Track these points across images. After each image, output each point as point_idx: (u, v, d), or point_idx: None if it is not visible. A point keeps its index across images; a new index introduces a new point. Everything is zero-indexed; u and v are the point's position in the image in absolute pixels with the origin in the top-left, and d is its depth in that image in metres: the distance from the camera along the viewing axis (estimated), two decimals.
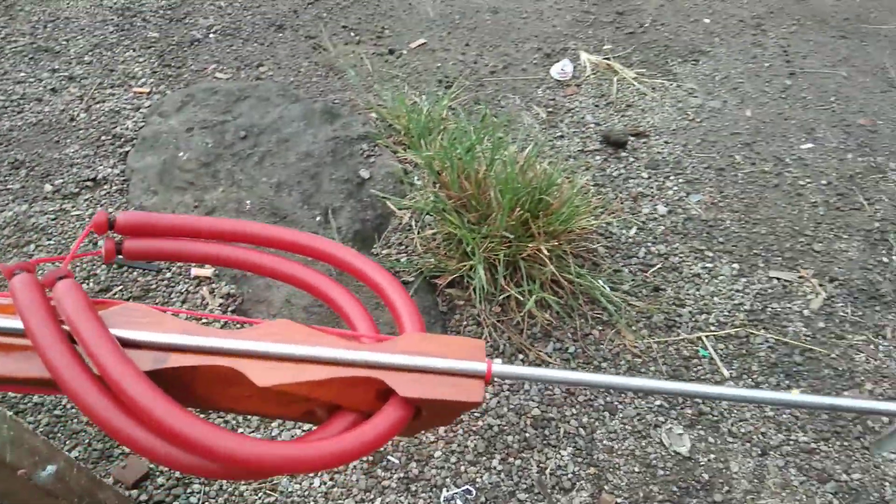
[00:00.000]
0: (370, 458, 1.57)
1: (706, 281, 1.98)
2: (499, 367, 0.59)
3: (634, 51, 2.82)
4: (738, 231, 2.13)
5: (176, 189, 1.93)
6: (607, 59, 2.76)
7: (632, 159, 2.34)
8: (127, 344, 0.60)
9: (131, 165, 2.05)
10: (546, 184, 1.84)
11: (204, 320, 1.63)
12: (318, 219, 1.83)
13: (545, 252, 1.71)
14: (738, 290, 1.96)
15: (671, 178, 2.28)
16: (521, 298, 1.76)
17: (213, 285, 1.82)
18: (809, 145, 2.44)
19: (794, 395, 0.60)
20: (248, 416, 1.59)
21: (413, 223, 1.93)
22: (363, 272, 0.73)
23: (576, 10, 3.02)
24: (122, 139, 2.18)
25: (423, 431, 0.61)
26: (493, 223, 1.75)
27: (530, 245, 1.72)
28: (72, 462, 1.06)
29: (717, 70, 2.75)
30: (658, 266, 2.00)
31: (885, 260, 2.08)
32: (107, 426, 0.56)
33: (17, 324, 0.60)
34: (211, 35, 2.66)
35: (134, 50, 2.56)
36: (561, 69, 2.68)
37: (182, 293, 1.80)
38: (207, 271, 1.86)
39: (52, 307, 0.59)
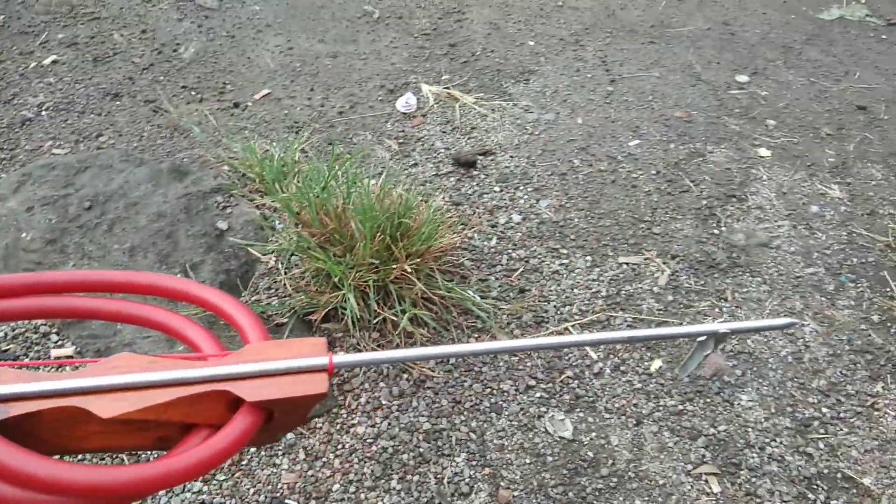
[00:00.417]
0: None
1: (564, 276, 2.12)
2: (339, 357, 0.64)
3: (470, 78, 2.99)
4: (586, 227, 2.30)
5: (22, 272, 1.83)
6: (447, 88, 2.91)
7: (483, 176, 2.47)
8: None
9: None
10: (404, 208, 1.91)
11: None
12: (178, 276, 1.80)
13: (409, 271, 1.78)
14: (593, 280, 2.11)
15: (521, 188, 2.43)
16: (396, 319, 1.82)
17: (77, 364, 1.74)
18: (637, 142, 2.69)
19: (619, 333, 0.69)
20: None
21: (280, 266, 1.94)
22: (191, 294, 0.75)
23: (411, 46, 3.17)
24: None
25: (282, 435, 0.64)
26: (358, 252, 1.80)
27: (395, 266, 1.78)
28: None
29: (546, 86, 2.97)
30: (521, 269, 2.12)
31: (716, 232, 2.32)
32: None
33: None
34: (43, 112, 2.56)
35: None
36: (405, 102, 2.79)
37: None
38: (69, 349, 1.77)
39: None
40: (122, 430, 0.63)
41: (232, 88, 2.78)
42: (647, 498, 1.59)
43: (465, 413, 1.74)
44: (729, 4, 3.69)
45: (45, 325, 1.85)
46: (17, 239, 1.91)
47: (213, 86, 2.78)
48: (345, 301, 1.79)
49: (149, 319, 0.74)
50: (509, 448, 1.68)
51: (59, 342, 1.81)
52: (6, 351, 1.79)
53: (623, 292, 2.08)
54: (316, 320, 1.85)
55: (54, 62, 2.81)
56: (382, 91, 2.87)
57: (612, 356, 1.91)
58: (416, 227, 1.90)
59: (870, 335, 1.99)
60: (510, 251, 2.19)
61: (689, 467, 1.66)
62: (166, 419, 0.62)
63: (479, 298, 1.98)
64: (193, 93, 2.73)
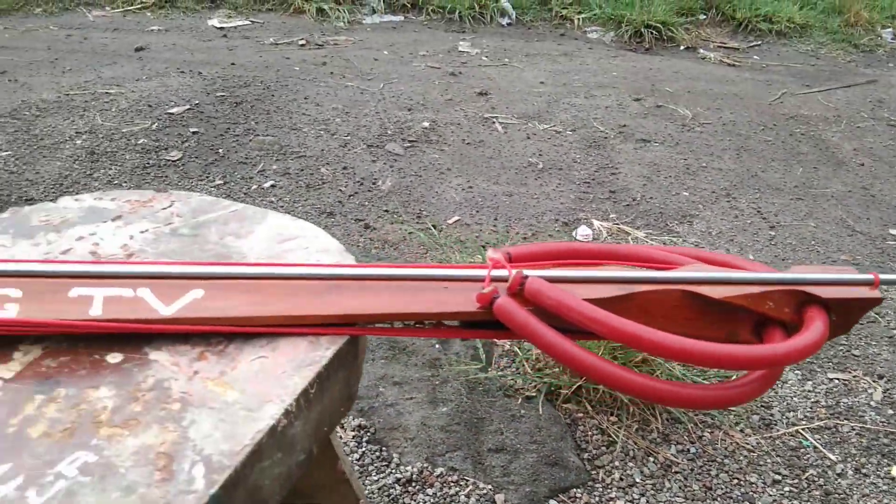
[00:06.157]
0: None
1: (780, 386, 2.17)
2: (886, 275, 0.77)
3: (636, 217, 3.24)
4: None
5: None
6: (616, 224, 3.15)
7: None
8: (590, 281, 0.75)
9: None
10: None
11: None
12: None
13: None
14: (809, 391, 2.15)
15: None
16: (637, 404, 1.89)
17: (342, 420, 1.85)
18: None
19: None
20: None
21: (516, 349, 2.07)
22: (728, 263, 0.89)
23: (575, 191, 3.48)
24: None
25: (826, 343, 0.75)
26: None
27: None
28: None
29: (710, 227, 3.19)
30: None
31: None
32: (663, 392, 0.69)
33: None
34: None
35: None
36: (582, 233, 3.04)
37: None
38: None
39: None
40: (707, 321, 0.76)
41: (426, 214, 3.09)
42: None
43: (719, 499, 1.74)
44: (862, 173, 3.94)
45: None
46: None
47: (410, 211, 3.10)
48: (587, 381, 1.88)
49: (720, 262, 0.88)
50: None
51: None
52: None
53: (842, 403, 2.10)
54: (557, 401, 1.94)
55: (273, 186, 3.21)
56: (558, 223, 3.13)
57: (848, 459, 1.90)
58: None
59: None
60: None
61: None
62: (753, 308, 0.75)
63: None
64: (395, 216, 3.05)
